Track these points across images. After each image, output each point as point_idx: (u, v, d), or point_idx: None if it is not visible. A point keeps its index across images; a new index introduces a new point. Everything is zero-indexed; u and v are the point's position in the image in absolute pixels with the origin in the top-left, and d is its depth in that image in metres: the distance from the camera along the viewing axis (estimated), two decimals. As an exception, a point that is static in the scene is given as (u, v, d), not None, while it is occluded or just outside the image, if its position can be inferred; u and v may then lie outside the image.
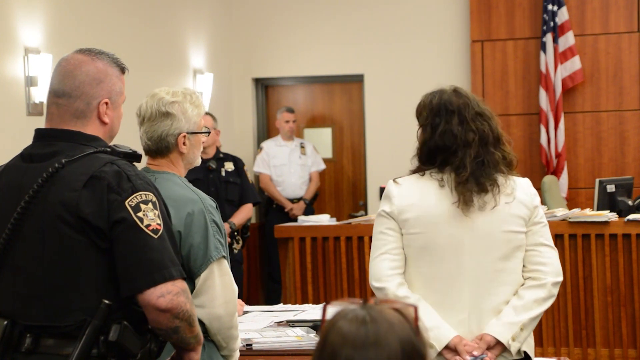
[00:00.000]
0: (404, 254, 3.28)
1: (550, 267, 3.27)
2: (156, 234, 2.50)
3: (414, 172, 3.33)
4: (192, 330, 2.57)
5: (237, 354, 3.22)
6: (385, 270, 3.27)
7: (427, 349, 1.59)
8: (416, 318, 1.57)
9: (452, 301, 3.23)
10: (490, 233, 3.23)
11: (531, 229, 3.27)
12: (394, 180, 3.34)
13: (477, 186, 3.22)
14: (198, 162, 3.35)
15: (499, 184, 3.25)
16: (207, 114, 7.13)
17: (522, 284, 3.27)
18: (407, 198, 3.27)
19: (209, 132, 3.37)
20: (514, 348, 3.22)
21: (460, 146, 3.24)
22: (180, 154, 3.25)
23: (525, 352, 3.27)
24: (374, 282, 3.29)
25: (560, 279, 3.29)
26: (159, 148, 3.21)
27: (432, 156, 3.28)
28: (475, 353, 3.19)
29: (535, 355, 6.27)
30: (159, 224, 2.52)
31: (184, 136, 3.23)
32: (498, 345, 3.21)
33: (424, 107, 3.33)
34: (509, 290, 3.25)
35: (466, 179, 3.22)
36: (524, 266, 3.28)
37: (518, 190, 3.27)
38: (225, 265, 3.13)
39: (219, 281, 3.08)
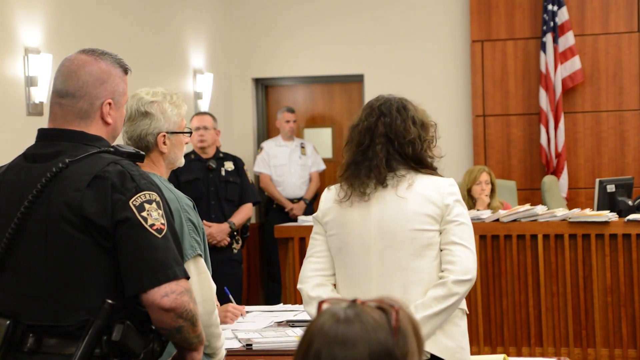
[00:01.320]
0: (330, 256, 3.37)
1: (456, 266, 3.22)
2: (160, 234, 2.50)
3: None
4: (195, 330, 2.57)
5: (222, 352, 3.22)
6: (306, 272, 3.38)
7: (409, 348, 1.61)
8: (397, 319, 1.60)
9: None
10: (394, 232, 3.25)
11: (444, 228, 3.25)
12: (328, 187, 3.48)
13: (374, 174, 3.27)
14: (181, 162, 3.37)
15: (397, 175, 3.27)
16: (206, 113, 7.13)
17: None
18: (329, 202, 3.39)
19: (190, 132, 3.38)
20: None
21: (369, 141, 3.31)
22: (160, 154, 3.28)
23: (431, 354, 3.21)
24: (298, 284, 3.41)
25: (468, 277, 3.21)
26: (139, 148, 3.23)
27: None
28: None
29: (535, 355, 6.30)
30: (163, 224, 2.52)
31: (164, 135, 3.27)
32: None
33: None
34: (419, 289, 3.23)
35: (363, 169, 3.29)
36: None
37: (426, 188, 3.25)
38: (202, 263, 3.15)
39: (196, 279, 3.10)
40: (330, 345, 1.57)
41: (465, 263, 3.23)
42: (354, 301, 1.62)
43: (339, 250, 3.33)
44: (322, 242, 3.38)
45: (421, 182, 3.28)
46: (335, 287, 3.36)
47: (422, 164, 3.31)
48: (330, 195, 3.42)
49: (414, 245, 3.24)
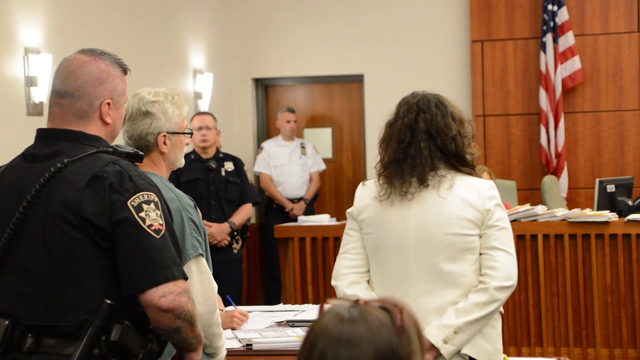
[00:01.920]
0: (365, 253, 3.34)
1: (498, 272, 3.20)
2: (158, 234, 2.50)
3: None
4: (194, 331, 2.56)
5: (224, 351, 3.22)
6: (341, 269, 3.35)
7: (413, 347, 1.60)
8: (400, 318, 1.60)
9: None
10: (433, 235, 3.22)
11: (485, 232, 3.22)
12: (363, 182, 3.43)
13: (416, 174, 3.24)
14: (181, 163, 3.36)
15: (439, 175, 3.24)
16: (207, 113, 7.13)
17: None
18: (366, 199, 3.34)
19: (191, 133, 3.38)
20: (445, 350, 3.17)
21: (409, 139, 3.28)
22: (161, 154, 3.28)
23: (470, 357, 3.21)
24: (332, 281, 3.38)
25: (509, 283, 3.20)
26: (139, 147, 3.23)
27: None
28: None
29: (535, 355, 6.30)
30: (161, 224, 2.52)
31: (164, 135, 3.26)
32: (433, 347, 3.18)
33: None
34: (457, 293, 3.21)
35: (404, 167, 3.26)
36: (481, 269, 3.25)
37: (466, 190, 3.23)
38: (204, 263, 3.15)
39: (197, 279, 3.10)
40: (335, 345, 1.57)
41: (507, 269, 3.21)
42: (356, 301, 1.62)
43: (376, 249, 3.29)
44: (357, 239, 3.34)
45: (461, 184, 3.25)
46: (369, 285, 3.34)
47: (462, 161, 3.28)
48: (367, 192, 3.35)
49: (453, 249, 3.21)
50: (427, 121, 3.27)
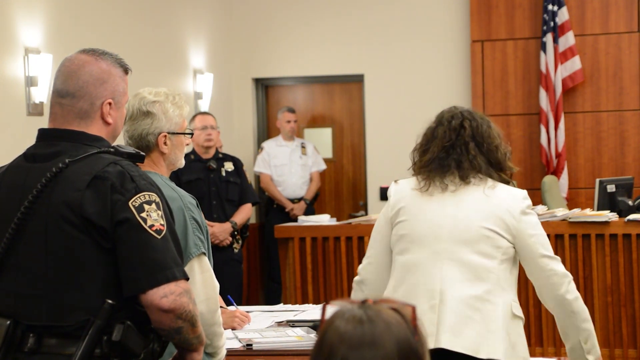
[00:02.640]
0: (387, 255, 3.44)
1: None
2: (159, 235, 2.50)
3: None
4: (195, 331, 2.56)
5: (224, 351, 3.22)
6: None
7: (425, 348, 1.58)
8: (414, 318, 1.57)
9: (425, 286, 3.27)
10: (470, 226, 3.27)
11: (522, 239, 3.32)
12: (395, 180, 3.50)
13: (458, 170, 3.33)
14: (181, 163, 3.36)
15: (479, 177, 3.33)
16: (208, 114, 7.13)
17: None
18: (404, 191, 3.41)
19: (191, 134, 3.38)
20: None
21: (455, 144, 3.37)
22: (161, 154, 3.28)
23: None
24: (356, 283, 3.54)
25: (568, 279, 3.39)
26: (140, 147, 3.23)
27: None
28: None
29: (535, 355, 6.30)
30: (162, 225, 2.52)
31: (165, 136, 3.26)
32: None
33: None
34: (485, 288, 3.24)
35: (448, 164, 3.35)
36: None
37: (505, 193, 3.32)
38: (206, 262, 3.15)
39: (199, 278, 3.10)
40: (357, 349, 1.52)
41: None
42: (364, 302, 1.57)
43: (407, 235, 3.35)
44: (383, 244, 3.46)
45: (502, 188, 3.34)
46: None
47: (504, 171, 3.38)
48: (404, 185, 3.43)
49: (487, 243, 3.26)
50: (474, 127, 3.38)
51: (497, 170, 3.37)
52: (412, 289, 3.29)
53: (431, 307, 3.23)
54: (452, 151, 3.35)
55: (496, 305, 3.23)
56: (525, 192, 3.38)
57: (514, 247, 3.31)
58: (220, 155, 7.01)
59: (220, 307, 3.41)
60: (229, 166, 6.97)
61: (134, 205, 2.49)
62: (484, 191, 3.30)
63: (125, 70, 2.73)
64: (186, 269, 3.00)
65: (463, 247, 3.26)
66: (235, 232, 6.87)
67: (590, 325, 3.37)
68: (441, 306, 3.22)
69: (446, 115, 3.44)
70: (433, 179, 3.34)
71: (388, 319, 1.54)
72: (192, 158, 6.84)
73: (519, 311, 3.32)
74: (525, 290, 6.44)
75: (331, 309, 1.58)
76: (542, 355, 6.32)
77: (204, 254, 3.15)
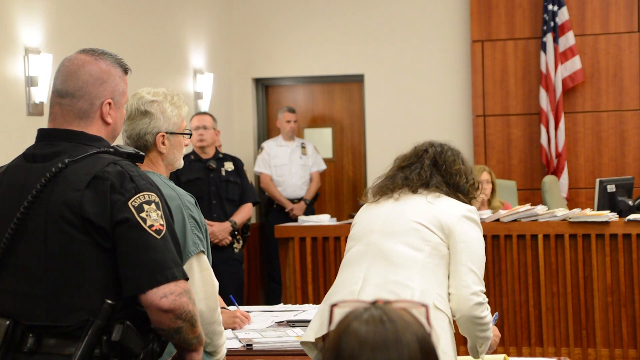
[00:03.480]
0: None
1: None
2: (159, 235, 2.50)
3: None
4: (195, 331, 2.56)
5: (224, 350, 3.22)
6: None
7: (438, 347, 1.56)
8: (428, 317, 1.54)
9: (352, 275, 3.35)
10: (399, 220, 3.36)
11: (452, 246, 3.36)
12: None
13: (406, 183, 3.44)
14: (180, 163, 3.36)
15: (428, 190, 3.41)
16: (206, 113, 7.14)
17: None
18: (360, 210, 3.59)
19: (190, 134, 3.38)
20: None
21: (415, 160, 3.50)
22: (159, 154, 3.28)
23: None
24: None
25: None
26: (138, 147, 3.23)
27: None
28: None
29: (535, 355, 6.30)
30: (162, 225, 2.52)
31: (163, 135, 3.26)
32: None
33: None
34: (406, 274, 3.27)
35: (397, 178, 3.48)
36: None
37: (448, 202, 3.38)
38: (205, 260, 3.15)
39: (199, 276, 3.10)
40: (382, 349, 1.47)
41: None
42: (374, 302, 1.53)
43: (349, 238, 3.48)
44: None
45: (448, 199, 3.40)
46: None
47: (462, 194, 3.44)
48: (360, 210, 3.58)
49: (415, 235, 3.31)
50: (437, 152, 3.48)
51: (454, 191, 3.44)
52: (342, 279, 3.38)
53: (351, 292, 3.29)
54: (407, 169, 3.46)
55: (414, 290, 3.24)
56: (474, 207, 3.43)
57: (448, 248, 3.34)
58: (220, 155, 7.02)
59: (221, 307, 3.42)
60: (229, 166, 6.97)
61: (133, 205, 2.49)
62: (427, 198, 3.39)
63: (125, 70, 2.73)
64: (185, 267, 3.00)
65: (391, 238, 3.34)
66: (236, 232, 6.86)
67: (489, 334, 3.35)
68: (360, 291, 3.29)
69: (417, 145, 3.56)
70: (384, 192, 3.46)
71: (406, 318, 1.51)
72: (192, 158, 6.85)
73: (443, 306, 3.29)
74: (526, 290, 6.44)
75: (341, 311, 1.53)
76: (542, 355, 6.31)
77: (203, 252, 3.15)
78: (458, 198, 3.42)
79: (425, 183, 3.41)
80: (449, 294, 3.31)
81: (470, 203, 3.45)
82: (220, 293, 3.38)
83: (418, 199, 3.39)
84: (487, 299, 3.34)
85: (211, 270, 3.17)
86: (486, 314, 3.32)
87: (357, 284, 3.31)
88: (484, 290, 3.34)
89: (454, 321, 3.34)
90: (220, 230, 6.77)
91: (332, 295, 3.39)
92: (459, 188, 3.44)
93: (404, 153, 3.55)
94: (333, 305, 1.54)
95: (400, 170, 3.48)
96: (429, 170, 3.43)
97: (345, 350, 1.47)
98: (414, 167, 3.45)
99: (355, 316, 1.51)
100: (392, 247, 3.32)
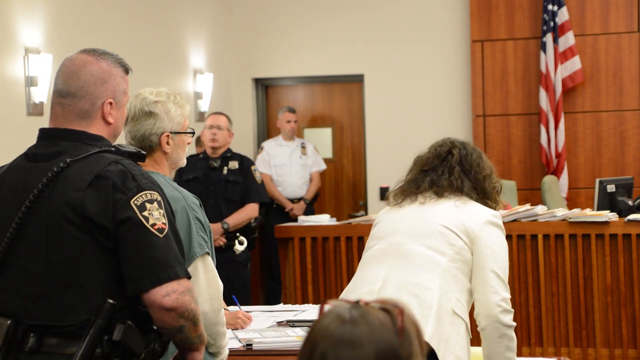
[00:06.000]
0: None
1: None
2: (161, 233, 2.50)
3: None
4: (197, 330, 2.57)
5: (226, 351, 3.22)
6: None
7: (413, 348, 1.61)
8: (401, 320, 1.60)
9: (372, 273, 3.34)
10: (425, 222, 3.34)
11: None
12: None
13: (433, 188, 3.41)
14: (183, 162, 3.37)
15: (456, 195, 3.39)
16: (222, 114, 6.95)
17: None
18: (381, 211, 3.60)
19: (193, 133, 3.38)
20: None
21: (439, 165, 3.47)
22: (164, 154, 3.28)
23: None
24: None
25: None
26: (142, 147, 3.23)
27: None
28: None
29: (535, 355, 6.30)
30: (164, 223, 2.52)
31: (167, 135, 3.27)
32: None
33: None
34: (427, 277, 3.25)
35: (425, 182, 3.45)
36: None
37: (476, 207, 3.36)
38: (210, 261, 3.15)
39: (203, 277, 3.10)
40: (336, 346, 1.57)
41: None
42: (357, 302, 1.62)
43: (371, 236, 3.46)
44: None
45: (475, 204, 3.38)
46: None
47: (489, 200, 3.43)
48: (384, 209, 3.56)
49: (439, 239, 3.29)
50: (462, 155, 3.45)
51: (482, 197, 3.42)
52: (362, 277, 3.37)
53: (370, 292, 3.28)
54: (432, 173, 3.42)
55: (434, 293, 3.22)
56: (499, 213, 3.42)
57: (472, 253, 3.30)
58: (229, 155, 6.89)
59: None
60: (233, 165, 6.86)
61: (135, 204, 2.49)
62: (455, 203, 3.36)
63: (126, 70, 2.73)
64: (190, 269, 3.01)
65: (415, 239, 3.32)
66: (236, 234, 6.72)
67: (514, 357, 3.28)
68: (380, 290, 3.27)
69: (435, 144, 3.52)
70: (407, 195, 3.43)
71: (372, 322, 1.59)
72: (201, 157, 6.80)
73: (461, 312, 3.25)
74: (525, 290, 6.44)
75: (327, 308, 1.63)
76: (542, 355, 6.32)
77: (208, 253, 3.15)
78: (486, 204, 3.40)
79: (457, 189, 3.38)
80: (474, 299, 3.28)
81: (495, 208, 3.42)
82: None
83: (445, 202, 3.36)
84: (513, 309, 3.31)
85: (216, 271, 3.18)
86: (513, 323, 3.26)
87: (376, 283, 3.29)
88: (510, 297, 3.29)
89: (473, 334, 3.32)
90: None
91: (349, 292, 3.36)
92: (486, 194, 3.43)
93: (424, 154, 3.50)
94: (324, 302, 1.63)
95: (424, 174, 3.43)
96: (460, 177, 3.40)
97: (311, 340, 1.60)
98: (440, 171, 3.42)
99: (330, 313, 1.61)
100: (415, 249, 3.29)
